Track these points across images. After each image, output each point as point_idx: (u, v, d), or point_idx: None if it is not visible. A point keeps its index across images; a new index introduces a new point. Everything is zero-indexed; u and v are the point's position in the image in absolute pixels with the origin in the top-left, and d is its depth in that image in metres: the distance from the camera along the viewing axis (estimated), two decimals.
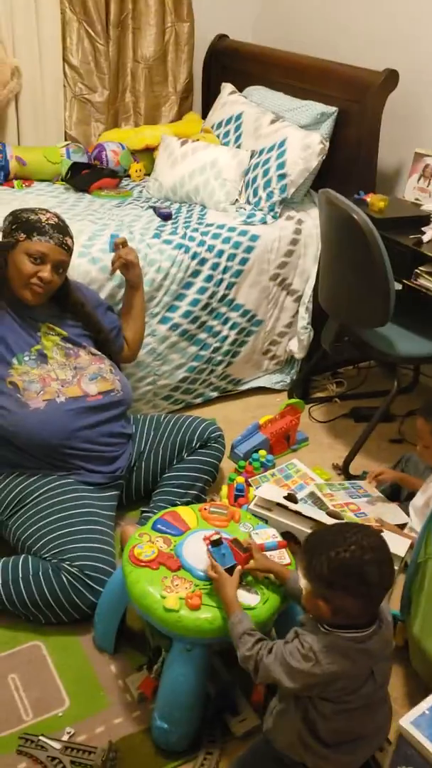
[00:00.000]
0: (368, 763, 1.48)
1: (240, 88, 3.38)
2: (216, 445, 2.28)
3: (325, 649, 1.29)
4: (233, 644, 1.44)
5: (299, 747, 1.38)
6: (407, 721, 1.19)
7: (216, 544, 1.57)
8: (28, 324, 2.04)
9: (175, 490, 2.18)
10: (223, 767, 1.56)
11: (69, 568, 1.81)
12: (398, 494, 2.32)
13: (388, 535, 1.80)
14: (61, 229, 2.03)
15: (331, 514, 1.91)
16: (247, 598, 1.55)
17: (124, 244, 2.32)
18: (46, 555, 1.85)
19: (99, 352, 2.16)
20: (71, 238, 2.06)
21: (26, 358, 2.01)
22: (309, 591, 1.34)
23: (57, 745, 1.58)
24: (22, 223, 1.99)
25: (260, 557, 1.62)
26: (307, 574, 1.34)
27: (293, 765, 1.42)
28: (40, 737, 1.59)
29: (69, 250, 2.04)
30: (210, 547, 1.57)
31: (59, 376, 2.03)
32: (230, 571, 1.54)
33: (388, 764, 1.24)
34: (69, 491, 1.98)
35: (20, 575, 1.83)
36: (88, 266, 2.42)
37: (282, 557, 1.67)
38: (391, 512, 2.16)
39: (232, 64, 3.52)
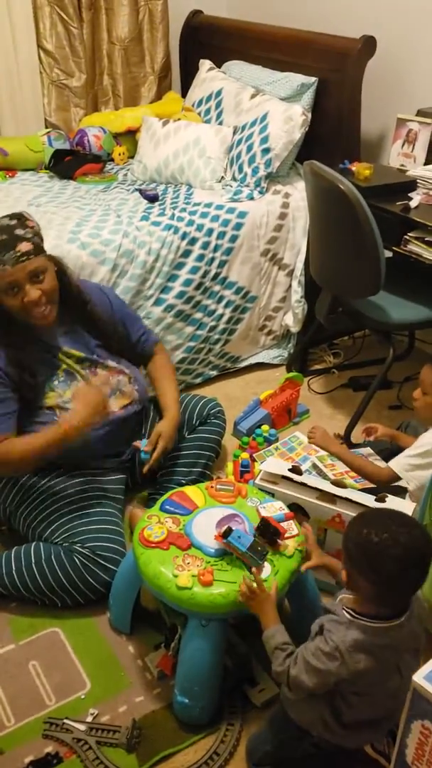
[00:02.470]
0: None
1: (218, 64, 3.36)
2: (216, 420, 2.30)
3: (352, 649, 1.26)
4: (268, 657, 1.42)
5: (319, 725, 1.38)
6: (420, 676, 1.20)
7: (227, 534, 1.57)
8: (47, 350, 1.98)
9: (179, 469, 2.20)
10: (246, 737, 1.59)
11: (81, 549, 1.83)
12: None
13: (393, 500, 1.82)
14: (7, 243, 1.78)
15: (335, 483, 1.93)
16: None
17: (156, 447, 2.08)
18: (57, 540, 1.88)
19: (116, 364, 2.09)
20: (26, 238, 1.81)
21: (56, 383, 1.97)
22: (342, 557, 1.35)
23: (82, 727, 1.61)
24: None
25: (318, 553, 1.61)
26: (343, 539, 1.34)
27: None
28: (65, 720, 1.62)
29: (30, 253, 1.81)
30: (224, 540, 1.57)
31: None
32: (254, 549, 1.55)
33: (404, 720, 1.27)
34: (75, 476, 2.00)
35: (33, 561, 1.85)
36: (78, 251, 2.42)
37: (290, 528, 1.69)
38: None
39: (208, 40, 3.49)
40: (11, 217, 1.85)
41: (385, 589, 1.27)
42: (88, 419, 1.83)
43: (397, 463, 1.97)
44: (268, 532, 1.61)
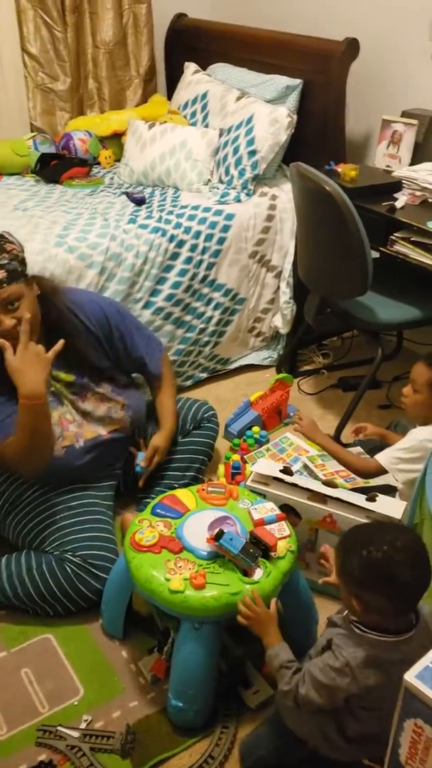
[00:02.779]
0: None
1: (203, 67, 3.36)
2: (209, 424, 2.29)
3: (363, 665, 1.25)
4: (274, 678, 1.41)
5: (319, 737, 1.37)
6: (412, 675, 1.20)
7: (219, 537, 1.56)
8: None
9: (172, 473, 2.19)
10: (240, 738, 1.58)
11: (72, 558, 1.82)
12: None
13: (384, 499, 1.83)
14: None
15: (326, 483, 1.93)
16: None
17: (151, 462, 2.12)
18: (48, 548, 1.86)
19: (108, 391, 2.02)
20: (0, 265, 1.73)
21: None
22: (342, 588, 1.32)
23: (75, 734, 1.60)
24: None
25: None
26: (339, 572, 1.32)
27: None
28: (58, 727, 1.61)
29: (2, 281, 1.72)
30: (216, 543, 1.56)
31: (75, 418, 1.98)
32: (246, 551, 1.55)
33: (396, 719, 1.26)
34: (65, 484, 1.99)
35: (24, 569, 1.84)
36: (65, 255, 2.42)
37: (282, 529, 1.69)
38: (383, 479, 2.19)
39: (193, 43, 3.49)
40: None
41: (402, 598, 1.26)
42: (30, 385, 1.72)
43: (384, 456, 1.98)
44: (259, 549, 1.60)
